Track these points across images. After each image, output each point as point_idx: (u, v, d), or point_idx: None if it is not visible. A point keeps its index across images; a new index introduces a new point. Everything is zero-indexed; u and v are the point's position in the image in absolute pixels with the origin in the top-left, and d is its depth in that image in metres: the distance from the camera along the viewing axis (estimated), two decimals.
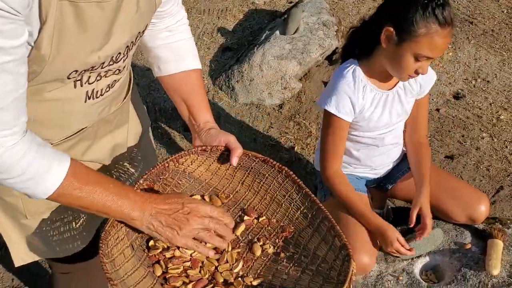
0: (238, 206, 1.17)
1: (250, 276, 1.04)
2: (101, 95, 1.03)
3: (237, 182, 1.19)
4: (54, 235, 1.22)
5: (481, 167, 2.42)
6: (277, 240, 1.10)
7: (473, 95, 2.79)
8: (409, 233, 1.80)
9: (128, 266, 1.00)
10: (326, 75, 2.85)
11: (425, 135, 1.90)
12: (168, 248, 1.04)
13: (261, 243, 1.10)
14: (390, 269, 1.79)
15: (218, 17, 3.35)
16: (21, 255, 1.26)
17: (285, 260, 1.07)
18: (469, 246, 1.82)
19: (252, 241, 1.11)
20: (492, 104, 2.74)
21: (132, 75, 1.21)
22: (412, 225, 1.71)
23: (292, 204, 1.12)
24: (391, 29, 1.51)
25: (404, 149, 1.99)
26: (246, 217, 1.14)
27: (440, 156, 2.48)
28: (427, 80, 1.76)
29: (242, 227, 1.12)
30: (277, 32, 2.88)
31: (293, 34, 2.84)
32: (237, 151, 1.12)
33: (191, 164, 1.17)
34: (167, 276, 1.01)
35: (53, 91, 0.94)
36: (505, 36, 3.15)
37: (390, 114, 1.75)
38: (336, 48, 2.92)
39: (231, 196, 1.18)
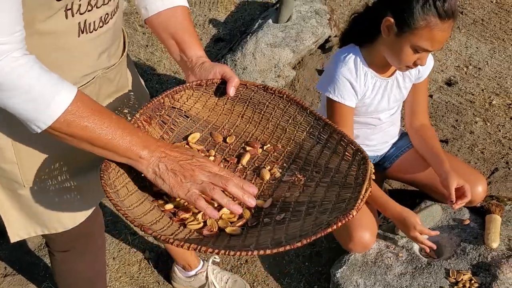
0: (240, 139, 1.13)
1: (261, 199, 1.00)
2: (95, 29, 0.99)
3: (236, 116, 1.14)
4: (52, 204, 1.18)
5: (476, 150, 2.43)
6: (285, 164, 1.06)
7: (465, 82, 2.81)
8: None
9: (133, 198, 0.94)
10: (319, 63, 2.86)
11: (426, 118, 1.87)
12: None
13: (268, 167, 1.06)
14: (390, 247, 1.79)
15: (210, 9, 3.34)
16: (17, 230, 1.22)
17: (296, 180, 1.03)
18: (467, 222, 1.82)
19: (259, 168, 1.07)
20: (484, 90, 2.76)
21: (125, 34, 1.19)
22: (454, 200, 1.63)
23: (297, 126, 1.09)
24: (391, 19, 1.49)
25: (403, 128, 1.99)
26: (248, 148, 1.10)
27: None
28: (425, 66, 1.72)
29: (247, 157, 1.08)
30: (270, 20, 2.87)
31: (286, 22, 2.84)
32: (234, 81, 1.07)
33: (187, 101, 1.12)
34: (175, 210, 0.97)
35: (45, 21, 0.91)
36: (494, 25, 3.18)
37: (389, 100, 1.75)
38: (329, 36, 2.92)
39: (232, 131, 1.14)
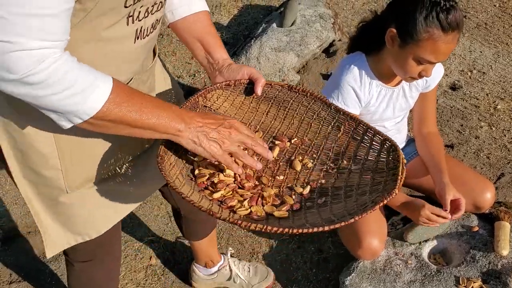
0: (267, 134, 1.19)
1: (299, 186, 1.06)
2: (147, 35, 1.03)
3: (261, 113, 1.20)
4: (90, 209, 1.19)
5: (481, 155, 2.42)
6: (314, 155, 1.12)
7: (469, 86, 2.81)
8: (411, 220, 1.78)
9: (186, 189, 1.00)
10: (323, 67, 2.85)
11: (434, 125, 1.86)
12: (213, 174, 1.07)
13: (299, 158, 1.12)
14: (398, 254, 1.78)
15: (213, 13, 3.33)
16: (54, 242, 1.22)
17: (328, 168, 1.09)
18: (476, 229, 1.82)
19: (290, 159, 1.12)
20: (489, 94, 2.75)
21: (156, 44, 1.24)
22: (448, 211, 1.64)
23: (322, 121, 1.15)
24: (394, 30, 1.47)
25: (410, 135, 1.98)
26: (277, 142, 1.16)
27: None
28: (433, 74, 1.70)
29: (276, 150, 1.14)
30: (274, 24, 2.87)
31: (290, 26, 2.84)
32: (261, 81, 1.15)
33: (217, 100, 1.18)
34: (222, 199, 1.03)
35: (108, 28, 0.94)
36: (498, 29, 3.18)
37: (394, 109, 1.74)
38: (333, 40, 2.92)
39: (258, 127, 1.19)
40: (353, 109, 1.65)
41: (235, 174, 1.08)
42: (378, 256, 1.77)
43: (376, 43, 1.59)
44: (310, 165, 1.10)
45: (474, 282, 1.64)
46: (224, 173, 1.08)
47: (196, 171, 1.09)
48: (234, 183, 1.08)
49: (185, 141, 0.97)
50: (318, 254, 2.04)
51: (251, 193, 1.05)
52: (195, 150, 0.98)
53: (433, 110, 1.86)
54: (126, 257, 2.06)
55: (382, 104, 1.70)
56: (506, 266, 1.66)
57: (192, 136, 0.97)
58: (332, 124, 1.13)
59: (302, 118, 1.17)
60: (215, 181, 1.06)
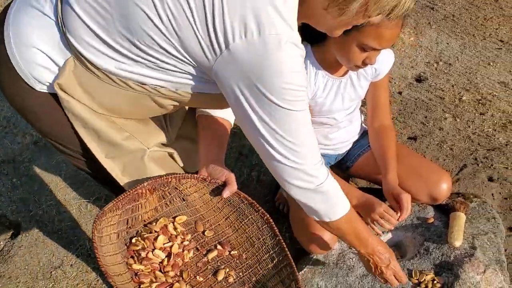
0: (216, 236, 1.29)
1: None
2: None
3: (222, 216, 1.30)
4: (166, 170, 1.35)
5: (445, 146, 2.39)
6: (241, 274, 1.22)
7: (435, 78, 2.78)
8: None
9: (110, 248, 1.12)
10: None
11: (387, 117, 1.81)
12: (145, 249, 1.17)
13: (226, 270, 1.22)
14: (352, 247, 1.74)
15: None
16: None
17: None
18: (432, 220, 1.78)
19: (219, 267, 1.23)
20: (454, 86, 2.73)
21: None
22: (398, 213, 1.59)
23: (264, 247, 1.26)
24: None
25: (364, 126, 1.94)
26: (219, 247, 1.26)
27: (403, 137, 2.44)
28: (382, 62, 1.67)
29: (214, 253, 1.25)
30: None
31: None
32: (232, 188, 1.26)
33: (189, 188, 1.29)
34: (138, 272, 1.13)
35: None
36: (465, 21, 3.16)
37: (343, 100, 1.69)
38: None
39: (213, 226, 1.29)
40: None
41: (164, 257, 1.19)
42: (331, 250, 1.72)
43: (320, 32, 1.54)
44: (231, 280, 1.20)
45: (426, 275, 1.59)
46: (154, 253, 1.18)
47: (134, 239, 1.19)
48: (158, 265, 1.18)
49: (360, 255, 1.40)
50: None
51: (165, 280, 1.15)
52: (360, 259, 1.47)
53: (386, 102, 1.80)
54: (78, 256, 2.00)
55: (330, 95, 1.65)
56: (459, 257, 1.62)
57: (364, 256, 1.37)
58: (270, 254, 1.23)
59: (250, 236, 1.27)
60: (142, 255, 1.17)
